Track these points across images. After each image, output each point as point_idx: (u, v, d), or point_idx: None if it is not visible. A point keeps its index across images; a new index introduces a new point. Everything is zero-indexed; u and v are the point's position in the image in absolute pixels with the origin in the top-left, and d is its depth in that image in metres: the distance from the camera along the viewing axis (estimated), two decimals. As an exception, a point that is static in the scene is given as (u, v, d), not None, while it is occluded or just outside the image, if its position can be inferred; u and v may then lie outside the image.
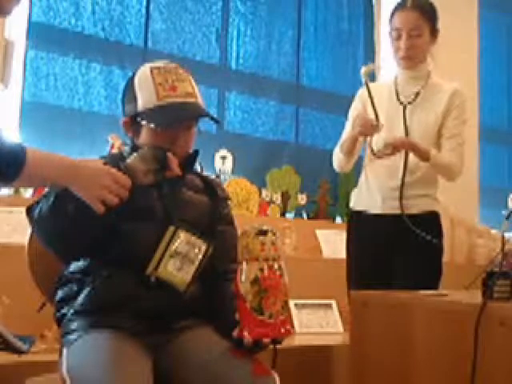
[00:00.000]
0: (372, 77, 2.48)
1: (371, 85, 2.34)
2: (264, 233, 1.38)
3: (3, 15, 1.22)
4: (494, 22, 5.58)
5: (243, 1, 4.24)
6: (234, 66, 4.16)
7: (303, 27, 4.49)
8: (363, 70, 2.27)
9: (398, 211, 2.21)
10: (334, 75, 4.60)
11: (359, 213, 2.35)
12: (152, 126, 1.52)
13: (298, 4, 4.47)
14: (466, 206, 4.56)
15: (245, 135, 4.14)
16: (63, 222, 1.34)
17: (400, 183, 2.22)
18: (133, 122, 1.57)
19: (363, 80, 2.27)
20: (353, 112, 2.39)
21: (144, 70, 1.57)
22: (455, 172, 2.27)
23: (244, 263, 1.36)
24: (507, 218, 1.88)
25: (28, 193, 2.94)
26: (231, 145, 3.76)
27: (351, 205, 2.41)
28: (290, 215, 3.95)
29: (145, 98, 1.53)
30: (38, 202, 1.39)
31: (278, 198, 3.82)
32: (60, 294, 1.50)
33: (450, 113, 2.26)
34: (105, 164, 1.33)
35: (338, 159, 2.37)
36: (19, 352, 1.32)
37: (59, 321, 1.50)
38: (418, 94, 2.28)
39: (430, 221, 2.28)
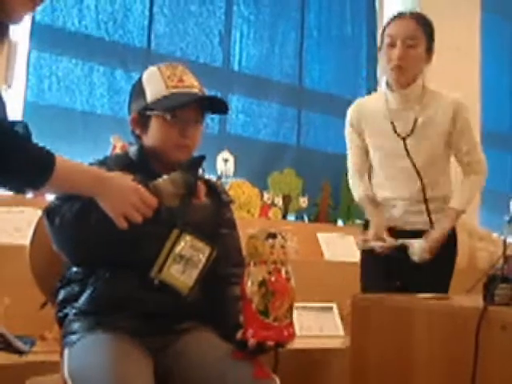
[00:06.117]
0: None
1: (361, 101, 2.34)
2: (273, 236, 1.38)
3: (16, 22, 1.21)
4: (496, 27, 5.59)
5: (246, 4, 4.25)
6: (236, 68, 4.17)
7: (306, 30, 4.50)
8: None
9: (419, 227, 2.20)
10: (336, 78, 4.60)
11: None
12: (162, 114, 1.53)
13: (301, 7, 4.48)
14: (468, 209, 4.55)
15: (247, 137, 4.14)
16: (86, 231, 1.35)
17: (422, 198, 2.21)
18: (141, 117, 1.57)
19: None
20: (350, 142, 2.33)
21: (151, 69, 1.62)
22: (481, 186, 2.29)
23: (252, 265, 1.36)
24: (509, 222, 1.88)
25: (30, 193, 2.93)
26: (233, 147, 3.76)
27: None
28: (291, 218, 3.96)
29: (154, 91, 1.55)
30: (57, 206, 1.39)
31: (279, 200, 3.82)
32: (62, 294, 1.50)
33: (457, 133, 2.19)
34: (136, 182, 1.33)
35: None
36: (20, 352, 1.32)
37: (61, 321, 1.50)
38: (415, 122, 2.17)
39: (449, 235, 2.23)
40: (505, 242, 1.78)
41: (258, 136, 4.20)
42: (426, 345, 1.64)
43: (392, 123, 2.20)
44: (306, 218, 4.05)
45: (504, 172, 5.59)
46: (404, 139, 2.18)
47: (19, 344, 1.30)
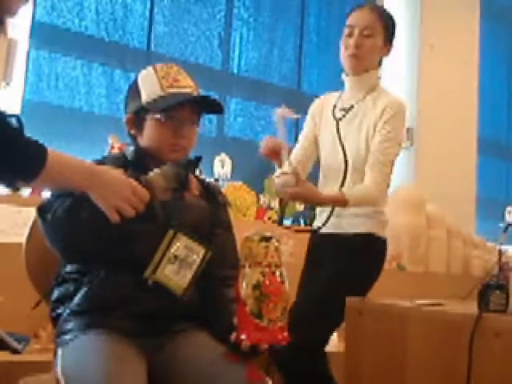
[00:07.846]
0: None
1: (326, 96, 2.29)
2: (268, 239, 1.38)
3: (10, 15, 1.21)
4: (494, 34, 5.61)
5: (246, 6, 4.26)
6: (235, 70, 4.18)
7: (305, 34, 4.51)
8: (278, 111, 1.97)
9: (331, 230, 2.15)
10: (335, 82, 4.58)
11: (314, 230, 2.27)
12: (157, 115, 1.53)
13: (300, 11, 4.50)
14: (463, 217, 4.57)
15: (244, 140, 4.15)
16: (77, 227, 1.35)
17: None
18: (136, 118, 1.58)
19: (277, 123, 1.96)
20: (304, 130, 2.30)
21: (146, 69, 1.62)
22: (371, 201, 2.01)
23: (246, 268, 1.36)
24: (505, 231, 1.89)
25: (26, 192, 2.93)
26: (230, 149, 3.76)
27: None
28: (287, 221, 3.95)
29: (148, 91, 1.56)
30: (50, 202, 1.39)
31: (275, 203, 3.82)
32: (56, 293, 1.50)
33: (378, 130, 2.02)
34: (128, 176, 1.33)
35: None
36: (14, 351, 1.32)
37: (55, 320, 1.49)
38: (351, 107, 2.11)
39: (365, 244, 2.03)
40: (500, 249, 1.79)
41: (255, 139, 4.21)
42: (420, 351, 1.64)
43: (335, 105, 2.18)
44: (301, 222, 4.05)
45: (500, 180, 5.61)
46: (337, 123, 2.12)
47: (14, 343, 1.30)
